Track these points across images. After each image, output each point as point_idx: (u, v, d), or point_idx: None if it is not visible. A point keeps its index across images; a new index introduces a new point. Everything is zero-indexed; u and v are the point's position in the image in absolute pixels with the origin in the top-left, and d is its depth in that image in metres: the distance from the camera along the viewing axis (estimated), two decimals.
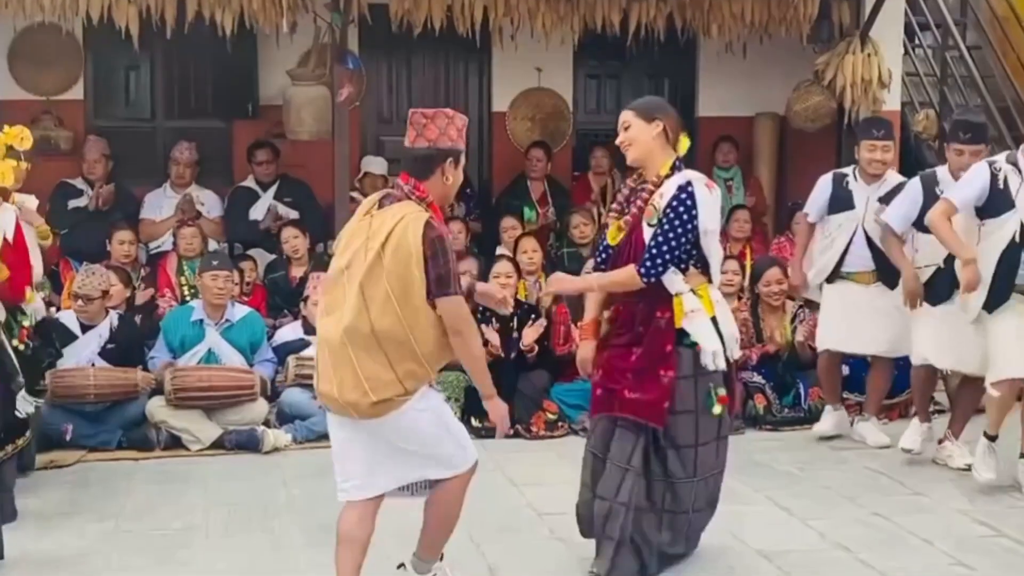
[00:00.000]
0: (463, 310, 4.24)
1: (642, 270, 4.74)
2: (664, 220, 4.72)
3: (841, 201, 7.06)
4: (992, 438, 6.18)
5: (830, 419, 7.31)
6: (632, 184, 4.95)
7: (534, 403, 7.46)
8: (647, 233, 4.75)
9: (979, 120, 6.95)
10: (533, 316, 7.74)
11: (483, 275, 7.98)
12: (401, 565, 4.63)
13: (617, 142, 4.92)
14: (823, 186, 7.19)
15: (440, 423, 4.36)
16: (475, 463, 4.44)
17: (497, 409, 4.41)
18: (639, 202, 4.82)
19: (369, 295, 4.13)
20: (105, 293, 7.20)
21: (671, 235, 4.71)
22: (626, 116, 4.87)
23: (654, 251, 4.72)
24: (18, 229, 6.05)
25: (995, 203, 6.04)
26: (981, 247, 6.07)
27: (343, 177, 8.48)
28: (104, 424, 6.99)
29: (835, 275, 7.12)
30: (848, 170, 7.21)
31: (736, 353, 5.01)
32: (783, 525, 5.43)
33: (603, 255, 4.97)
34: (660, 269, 4.73)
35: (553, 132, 10.06)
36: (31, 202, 6.68)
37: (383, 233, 4.14)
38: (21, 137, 5.98)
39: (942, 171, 6.66)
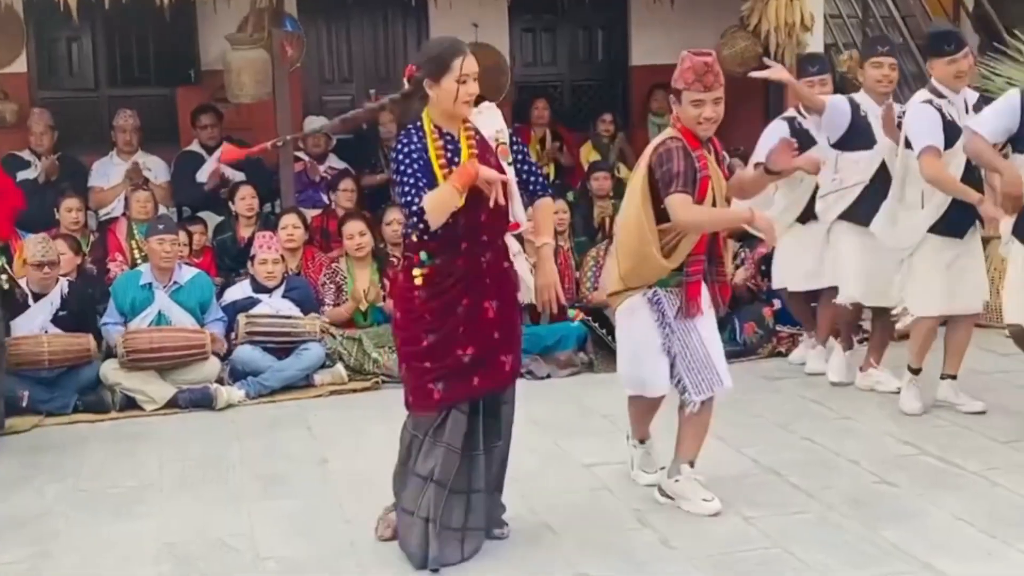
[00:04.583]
0: (683, 206, 4.70)
1: (552, 191, 4.89)
2: (517, 147, 4.69)
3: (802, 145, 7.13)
4: (916, 371, 6.42)
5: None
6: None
7: None
8: (511, 171, 4.58)
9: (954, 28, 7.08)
10: None
11: (374, 232, 8.14)
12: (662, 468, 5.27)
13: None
14: (778, 129, 7.02)
15: (628, 338, 5.05)
16: (644, 396, 5.10)
17: (756, 220, 4.86)
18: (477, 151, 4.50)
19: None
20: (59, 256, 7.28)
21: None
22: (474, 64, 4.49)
23: (539, 170, 4.79)
24: None
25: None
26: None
27: None
28: (59, 389, 7.10)
29: (809, 216, 7.16)
30: (792, 112, 7.33)
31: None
32: (718, 453, 5.59)
33: None
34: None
35: (493, 86, 10.16)
36: None
37: None
38: None
39: (927, 90, 6.36)
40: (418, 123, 4.46)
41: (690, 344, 4.95)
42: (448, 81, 4.39)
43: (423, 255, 4.44)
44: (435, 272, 4.45)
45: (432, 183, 4.34)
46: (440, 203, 4.29)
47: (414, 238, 4.46)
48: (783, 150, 4.90)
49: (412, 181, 4.33)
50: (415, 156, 4.38)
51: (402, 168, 4.37)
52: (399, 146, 4.43)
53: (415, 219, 4.31)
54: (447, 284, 4.46)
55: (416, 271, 4.44)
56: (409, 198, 4.32)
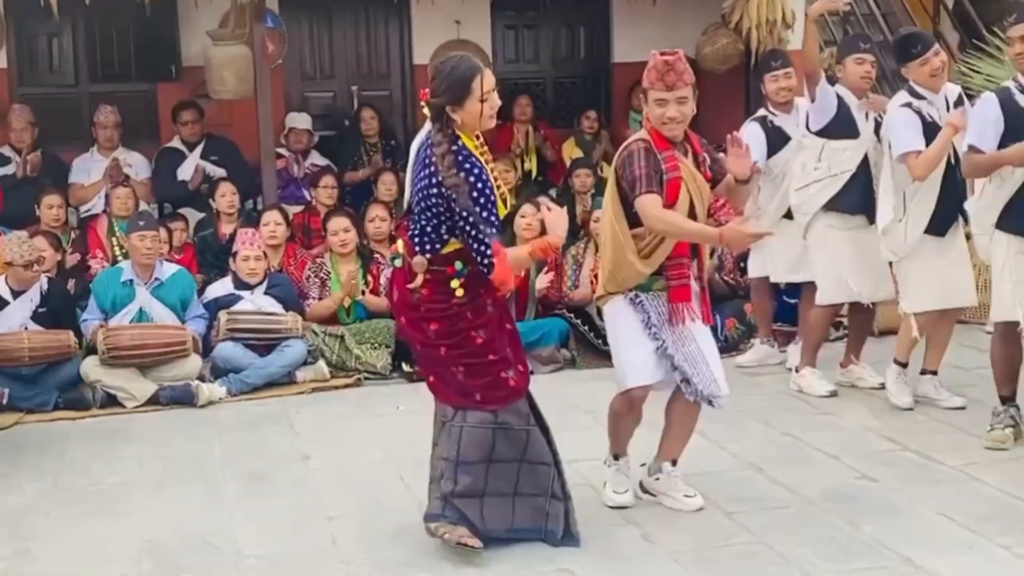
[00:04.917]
0: (650, 209, 4.66)
1: None
2: None
3: (777, 143, 7.14)
4: (903, 364, 6.44)
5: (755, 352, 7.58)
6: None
7: None
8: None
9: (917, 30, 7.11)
10: None
11: (358, 228, 8.13)
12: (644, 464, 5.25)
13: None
14: (752, 132, 7.05)
15: (613, 335, 5.01)
16: (632, 389, 4.92)
17: (731, 234, 4.74)
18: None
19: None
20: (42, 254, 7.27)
21: None
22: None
23: None
24: None
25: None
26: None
27: (267, 134, 8.62)
28: (40, 386, 7.07)
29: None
30: (763, 112, 7.31)
31: None
32: (699, 449, 5.57)
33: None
34: None
35: None
36: None
37: None
38: None
39: (907, 92, 6.37)
40: (460, 142, 4.42)
41: (687, 350, 4.89)
42: (471, 103, 4.39)
43: (458, 264, 4.46)
44: (469, 280, 4.49)
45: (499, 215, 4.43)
46: (512, 267, 4.49)
47: (443, 251, 4.47)
48: (735, 157, 4.85)
49: (486, 229, 4.37)
50: (490, 191, 4.37)
51: (482, 201, 4.34)
52: (473, 168, 4.35)
53: (484, 269, 4.40)
54: (480, 288, 4.52)
55: (454, 282, 4.47)
56: (484, 247, 4.36)
